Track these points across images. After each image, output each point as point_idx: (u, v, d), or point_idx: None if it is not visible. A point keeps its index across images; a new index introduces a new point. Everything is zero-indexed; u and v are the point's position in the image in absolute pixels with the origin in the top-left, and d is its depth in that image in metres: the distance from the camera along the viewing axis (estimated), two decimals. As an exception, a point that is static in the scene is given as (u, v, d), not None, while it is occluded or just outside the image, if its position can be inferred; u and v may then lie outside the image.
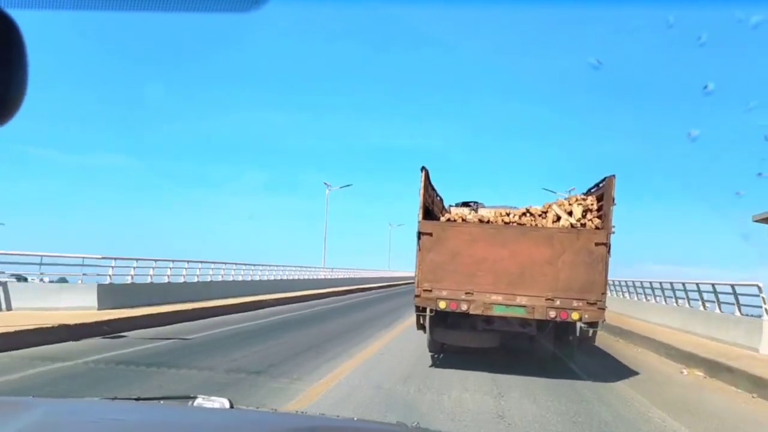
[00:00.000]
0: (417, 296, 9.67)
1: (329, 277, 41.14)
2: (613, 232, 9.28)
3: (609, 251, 9.25)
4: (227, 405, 1.91)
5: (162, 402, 2.23)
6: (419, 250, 9.72)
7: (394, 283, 57.34)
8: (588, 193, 11.09)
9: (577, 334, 10.01)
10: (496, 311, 9.47)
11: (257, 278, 27.09)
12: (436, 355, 11.05)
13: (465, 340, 10.42)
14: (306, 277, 35.52)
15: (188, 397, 1.98)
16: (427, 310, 9.78)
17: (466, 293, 9.47)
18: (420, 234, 9.69)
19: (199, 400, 1.94)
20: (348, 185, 48.05)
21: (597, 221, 9.89)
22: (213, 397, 1.94)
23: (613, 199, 9.33)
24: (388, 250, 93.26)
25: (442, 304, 9.50)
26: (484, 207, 11.88)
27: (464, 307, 9.47)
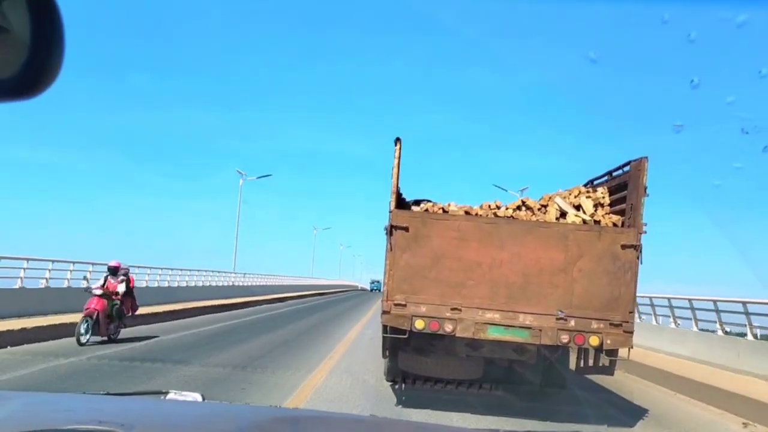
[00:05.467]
0: (385, 313, 7.11)
1: (243, 284, 36.21)
2: (645, 232, 7.12)
3: (640, 257, 7.08)
4: (200, 399, 1.85)
5: (134, 396, 2.08)
6: (390, 250, 7.19)
7: (322, 291, 56.76)
8: (592, 184, 8.95)
9: (590, 363, 7.74)
10: (491, 334, 7.05)
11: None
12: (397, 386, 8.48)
13: (439, 370, 7.85)
14: (218, 283, 31.30)
15: (160, 392, 1.91)
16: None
17: (452, 309, 7.02)
18: (392, 228, 7.15)
19: (172, 395, 1.87)
20: (267, 175, 44.27)
21: (615, 218, 7.73)
22: (185, 392, 1.87)
23: (645, 189, 7.17)
24: (312, 256, 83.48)
25: (419, 324, 6.99)
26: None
27: (449, 327, 7.01)
